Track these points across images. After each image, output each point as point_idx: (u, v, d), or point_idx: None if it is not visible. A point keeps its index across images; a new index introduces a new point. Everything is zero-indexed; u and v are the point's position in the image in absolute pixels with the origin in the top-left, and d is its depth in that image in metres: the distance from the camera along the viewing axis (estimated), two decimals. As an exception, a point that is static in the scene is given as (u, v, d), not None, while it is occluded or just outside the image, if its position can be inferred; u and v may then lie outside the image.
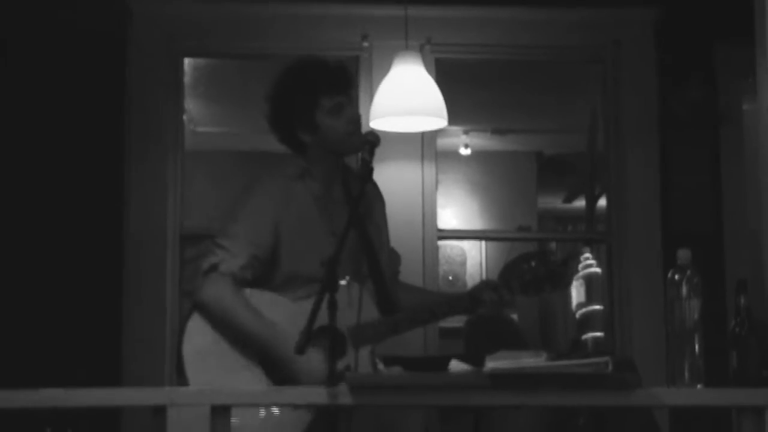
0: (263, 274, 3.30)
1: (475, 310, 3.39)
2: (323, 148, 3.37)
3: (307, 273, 3.24)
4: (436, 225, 5.00)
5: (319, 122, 3.34)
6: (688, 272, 2.77)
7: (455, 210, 7.80)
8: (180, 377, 3.19)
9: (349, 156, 3.48)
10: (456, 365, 2.70)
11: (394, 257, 3.64)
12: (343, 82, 3.39)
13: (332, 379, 2.67)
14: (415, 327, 3.35)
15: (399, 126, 4.68)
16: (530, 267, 3.33)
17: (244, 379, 3.16)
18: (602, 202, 5.62)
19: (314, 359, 3.08)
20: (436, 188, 5.05)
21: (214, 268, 3.23)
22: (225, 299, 3.20)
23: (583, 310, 7.38)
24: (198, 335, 3.22)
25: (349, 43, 4.98)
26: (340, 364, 3.05)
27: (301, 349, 2.80)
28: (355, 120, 3.38)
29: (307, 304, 2.90)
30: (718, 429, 3.54)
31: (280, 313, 3.21)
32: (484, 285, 3.41)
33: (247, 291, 3.25)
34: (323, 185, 3.40)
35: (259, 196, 3.35)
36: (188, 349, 3.19)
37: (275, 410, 3.12)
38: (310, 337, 2.79)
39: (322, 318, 2.75)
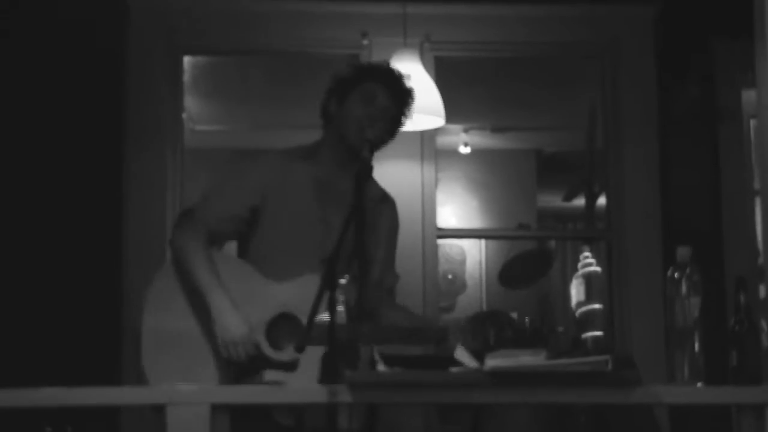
0: (244, 237, 3.34)
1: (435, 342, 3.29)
2: (336, 132, 3.38)
3: (286, 252, 3.26)
4: (435, 223, 5.00)
5: (348, 97, 3.36)
6: (688, 270, 2.77)
7: (455, 208, 7.79)
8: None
9: (350, 149, 3.42)
10: (461, 353, 2.70)
11: (392, 278, 3.59)
12: (397, 88, 3.39)
13: (332, 377, 2.67)
14: (373, 343, 3.30)
15: (398, 124, 4.67)
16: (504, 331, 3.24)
17: (190, 335, 3.20)
18: (602, 199, 5.62)
19: (240, 329, 3.11)
20: (436, 186, 5.05)
21: (189, 213, 3.33)
22: (188, 244, 3.25)
23: (583, 308, 7.39)
24: (164, 278, 3.28)
25: (349, 41, 4.98)
26: (289, 354, 3.08)
27: (300, 348, 2.81)
28: (373, 118, 3.34)
29: (276, 288, 3.02)
30: (718, 427, 3.53)
31: (247, 290, 3.22)
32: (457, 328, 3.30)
33: (231, 257, 3.32)
34: (328, 172, 3.40)
35: (254, 163, 3.41)
36: (154, 286, 3.27)
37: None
38: (309, 335, 2.80)
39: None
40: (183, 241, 3.27)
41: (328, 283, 2.77)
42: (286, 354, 3.13)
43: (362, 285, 3.26)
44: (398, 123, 3.43)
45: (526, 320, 3.07)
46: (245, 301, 3.19)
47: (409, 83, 3.44)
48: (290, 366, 3.09)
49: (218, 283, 3.19)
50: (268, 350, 3.15)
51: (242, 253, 3.40)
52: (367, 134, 3.28)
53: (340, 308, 3.13)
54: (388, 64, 3.52)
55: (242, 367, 3.15)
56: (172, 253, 3.32)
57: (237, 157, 7.30)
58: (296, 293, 3.14)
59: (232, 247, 3.48)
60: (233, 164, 3.44)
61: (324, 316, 2.99)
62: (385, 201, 3.56)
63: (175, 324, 3.22)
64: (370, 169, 3.17)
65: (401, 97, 3.40)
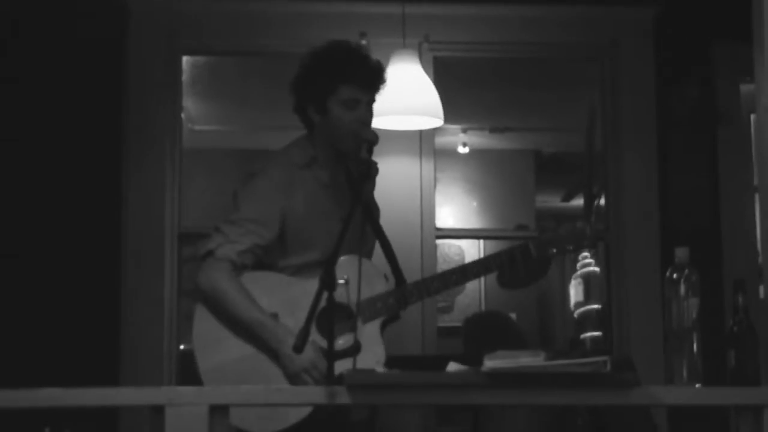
0: (271, 261, 3.31)
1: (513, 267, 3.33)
2: (325, 139, 3.37)
3: (319, 258, 3.23)
4: (434, 224, 5.00)
5: (329, 108, 3.32)
6: (686, 271, 2.77)
7: (453, 208, 7.79)
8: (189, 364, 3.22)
9: (344, 154, 3.43)
10: (453, 367, 2.70)
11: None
12: (370, 81, 3.35)
13: (330, 378, 2.68)
14: (423, 298, 3.30)
15: (395, 124, 4.68)
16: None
17: (252, 360, 3.18)
18: (600, 200, 5.61)
19: (304, 355, 3.07)
20: (435, 187, 5.05)
21: (210, 253, 3.25)
22: (219, 285, 3.21)
23: (582, 309, 7.40)
24: (204, 321, 3.24)
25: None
26: (348, 341, 3.07)
27: (299, 348, 2.81)
28: (364, 122, 3.33)
29: (312, 284, 2.91)
30: (716, 428, 3.54)
31: (293, 292, 3.22)
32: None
33: (258, 274, 3.27)
34: (330, 174, 3.40)
35: (264, 183, 3.35)
36: (197, 331, 3.23)
37: None
38: (308, 335, 2.80)
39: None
40: (213, 284, 3.23)
41: (327, 284, 2.77)
42: (344, 341, 3.11)
43: (392, 258, 3.28)
44: (378, 93, 3.40)
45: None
46: (288, 310, 3.20)
47: (368, 54, 3.38)
48: (354, 350, 2.97)
49: (264, 315, 3.19)
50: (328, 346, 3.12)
51: (272, 266, 3.35)
52: (364, 136, 3.27)
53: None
54: (347, 48, 3.38)
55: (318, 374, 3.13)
56: (205, 295, 3.26)
57: (236, 158, 7.32)
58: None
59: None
60: (241, 191, 3.37)
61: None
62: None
63: (232, 356, 3.20)
64: (369, 167, 3.18)
65: (376, 83, 3.36)
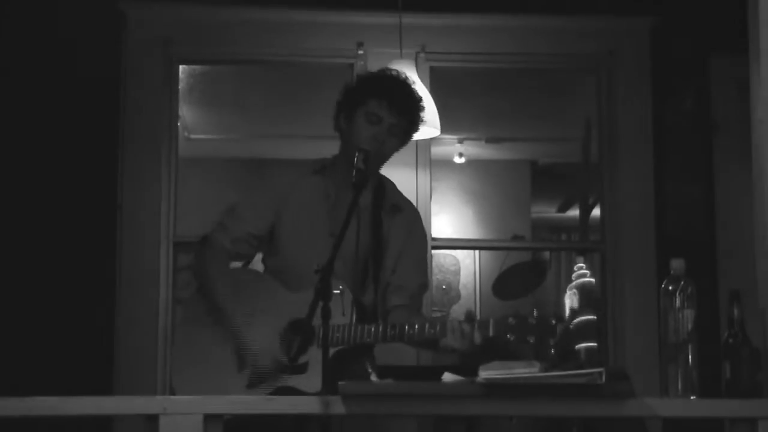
0: (266, 256, 3.42)
1: (437, 343, 3.20)
2: (342, 149, 3.42)
3: (300, 267, 3.28)
4: (430, 234, 4.99)
5: (355, 117, 3.36)
6: (682, 282, 2.77)
7: (449, 218, 7.78)
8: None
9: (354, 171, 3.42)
10: (449, 377, 2.69)
11: (412, 284, 3.48)
12: (402, 107, 3.36)
13: (328, 387, 2.68)
14: (383, 341, 3.27)
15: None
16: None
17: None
18: (596, 211, 5.62)
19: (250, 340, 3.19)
20: (431, 196, 5.05)
21: (206, 239, 3.40)
22: (208, 270, 3.35)
23: (577, 319, 7.38)
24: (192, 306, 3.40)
25: (344, 51, 4.98)
26: (303, 359, 3.09)
27: (294, 360, 2.82)
28: (376, 140, 3.32)
29: (292, 297, 3.12)
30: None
31: (265, 301, 3.28)
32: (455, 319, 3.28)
33: (252, 271, 3.42)
34: (338, 186, 3.41)
35: (266, 181, 3.49)
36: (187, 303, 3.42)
37: None
38: (300, 352, 2.82)
39: None
40: (203, 268, 3.39)
41: (322, 294, 2.77)
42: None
43: (377, 287, 3.26)
44: (409, 135, 3.44)
45: (534, 312, 3.04)
46: (265, 312, 3.25)
47: (417, 92, 3.42)
48: (301, 369, 3.10)
49: (236, 303, 3.27)
50: (281, 357, 3.20)
51: (266, 267, 3.48)
52: (363, 145, 3.28)
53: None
54: (395, 74, 3.46)
55: (261, 374, 3.19)
56: (196, 281, 3.41)
57: (232, 166, 7.33)
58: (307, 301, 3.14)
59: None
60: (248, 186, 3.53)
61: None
62: (397, 211, 3.50)
63: (203, 334, 3.30)
64: (364, 179, 3.17)
65: (408, 109, 3.39)
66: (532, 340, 3.06)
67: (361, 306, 3.30)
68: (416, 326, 3.14)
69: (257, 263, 3.54)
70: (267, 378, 3.17)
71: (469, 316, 3.12)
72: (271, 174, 3.50)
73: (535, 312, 3.03)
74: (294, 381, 3.13)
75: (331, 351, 2.99)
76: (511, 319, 3.03)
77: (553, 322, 2.96)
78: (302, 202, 3.40)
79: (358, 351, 3.24)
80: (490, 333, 3.06)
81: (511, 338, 3.04)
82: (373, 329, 3.17)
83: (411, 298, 3.44)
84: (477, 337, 3.07)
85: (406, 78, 3.45)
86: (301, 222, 3.38)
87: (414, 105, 3.41)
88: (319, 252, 3.20)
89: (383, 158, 3.41)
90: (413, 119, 3.41)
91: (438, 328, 3.13)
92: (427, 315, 3.53)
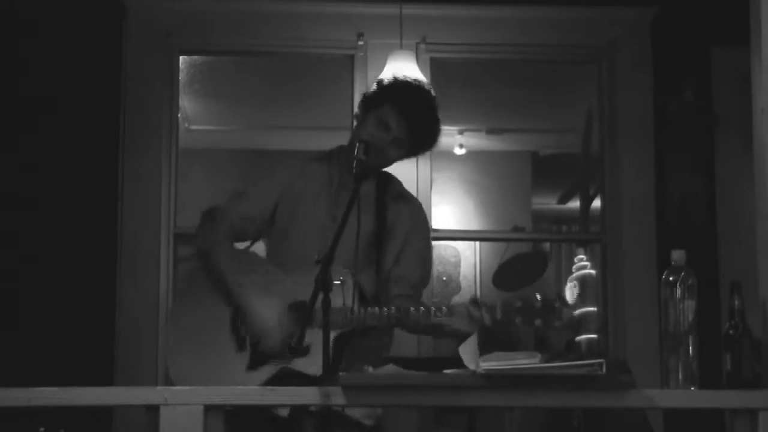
0: (268, 240, 3.43)
1: (441, 328, 3.24)
2: (349, 142, 3.42)
3: (302, 251, 3.29)
4: (430, 225, 4.98)
5: (368, 115, 3.38)
6: (683, 273, 2.77)
7: (450, 210, 7.77)
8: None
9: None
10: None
11: (414, 274, 3.49)
12: (414, 122, 3.34)
13: (327, 372, 2.70)
14: (380, 325, 3.28)
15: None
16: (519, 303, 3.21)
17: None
18: (597, 202, 5.61)
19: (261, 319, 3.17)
20: (431, 188, 5.04)
21: (212, 212, 3.38)
22: (214, 249, 3.31)
23: (578, 311, 7.38)
24: (194, 273, 3.37)
25: (345, 42, 4.98)
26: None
27: (295, 350, 2.82)
28: (383, 144, 3.33)
29: (290, 281, 3.11)
30: (712, 431, 3.54)
31: (264, 284, 3.28)
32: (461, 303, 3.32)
33: (252, 254, 3.41)
34: (341, 172, 3.42)
35: (274, 168, 3.49)
36: (183, 282, 3.41)
37: None
38: (304, 336, 2.81)
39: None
40: (208, 244, 3.34)
41: (323, 284, 2.77)
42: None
43: (380, 273, 3.25)
44: (417, 152, 3.45)
45: (538, 296, 3.05)
46: (271, 294, 3.25)
47: (436, 115, 3.39)
48: (303, 351, 3.03)
49: (245, 283, 3.25)
50: (299, 366, 3.15)
51: (268, 253, 3.47)
52: (362, 136, 3.28)
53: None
54: (423, 86, 3.45)
55: (262, 356, 3.18)
56: (198, 254, 3.37)
57: (233, 157, 7.32)
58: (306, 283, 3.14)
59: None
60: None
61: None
62: (401, 199, 3.52)
63: (198, 315, 3.28)
64: (365, 170, 3.17)
65: (420, 132, 3.38)
66: (538, 322, 3.07)
67: (362, 295, 3.30)
68: (422, 309, 3.15)
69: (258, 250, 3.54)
70: (268, 359, 3.16)
71: (475, 301, 3.13)
72: (277, 163, 3.51)
73: (538, 296, 3.04)
74: (296, 363, 3.11)
75: (333, 334, 2.99)
76: (518, 302, 3.04)
77: (558, 304, 2.96)
78: (305, 186, 3.42)
79: (362, 336, 3.23)
80: (498, 316, 3.08)
81: (519, 321, 3.04)
82: (377, 311, 3.17)
83: (413, 289, 3.44)
84: (487, 319, 3.08)
85: (434, 98, 3.42)
86: (304, 206, 3.39)
87: (428, 129, 3.40)
88: (320, 237, 3.22)
89: (386, 161, 3.41)
90: (423, 141, 3.41)
91: (444, 311, 3.14)
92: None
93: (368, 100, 3.42)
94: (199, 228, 3.40)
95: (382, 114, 3.34)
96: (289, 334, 3.12)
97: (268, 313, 3.20)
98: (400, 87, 3.42)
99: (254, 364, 3.18)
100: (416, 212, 3.53)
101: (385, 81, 3.45)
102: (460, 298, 7.70)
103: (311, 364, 3.07)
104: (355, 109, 3.50)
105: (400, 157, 3.43)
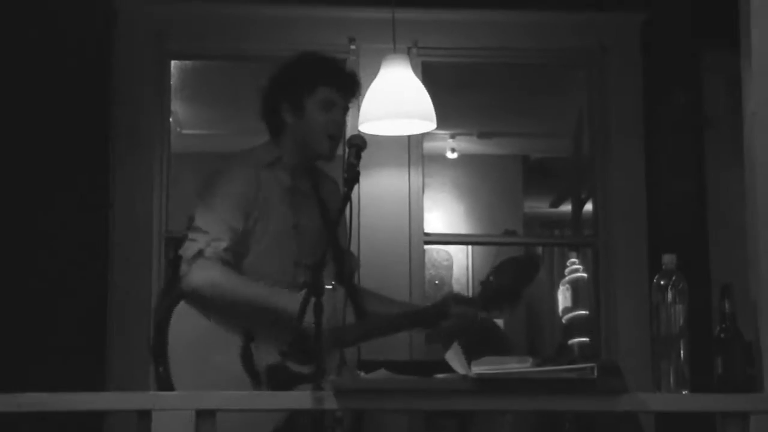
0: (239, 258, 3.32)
1: (438, 323, 3.31)
2: (297, 140, 3.38)
3: (269, 264, 3.27)
4: (422, 229, 4.99)
5: (305, 106, 3.35)
6: (674, 277, 2.78)
7: (441, 213, 7.78)
8: (159, 362, 3.20)
9: (316, 159, 3.44)
10: (454, 355, 2.70)
11: (353, 260, 3.54)
12: (347, 86, 3.40)
13: (319, 375, 2.68)
14: (386, 334, 3.30)
15: (387, 129, 4.67)
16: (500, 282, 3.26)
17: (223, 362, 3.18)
18: (588, 206, 5.62)
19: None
20: (423, 192, 5.04)
21: (200, 253, 3.24)
22: (221, 280, 3.20)
23: (569, 314, 7.39)
24: (186, 320, 3.23)
25: (337, 46, 4.97)
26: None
27: (287, 354, 2.82)
28: (338, 124, 3.36)
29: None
30: (703, 434, 3.54)
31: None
32: (451, 298, 3.37)
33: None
34: (292, 177, 3.40)
35: (231, 183, 3.35)
36: (175, 332, 3.21)
37: None
38: (297, 338, 2.81)
39: None
40: (212, 280, 3.22)
41: (314, 289, 2.77)
42: (310, 366, 3.09)
43: (350, 284, 3.26)
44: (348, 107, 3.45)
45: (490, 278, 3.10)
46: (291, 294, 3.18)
47: (350, 69, 3.50)
48: (317, 377, 2.91)
49: (271, 285, 3.20)
50: (295, 367, 3.04)
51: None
52: (326, 145, 3.32)
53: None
54: (323, 56, 3.48)
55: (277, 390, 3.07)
56: (197, 292, 3.23)
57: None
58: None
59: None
60: (207, 189, 3.38)
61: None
62: (331, 183, 3.53)
63: (205, 359, 3.20)
64: (357, 174, 3.17)
65: (353, 89, 3.43)
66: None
67: (357, 306, 3.30)
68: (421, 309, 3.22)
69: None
70: (287, 389, 2.98)
71: (459, 297, 3.17)
72: (232, 174, 3.38)
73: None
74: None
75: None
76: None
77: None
78: (264, 199, 3.34)
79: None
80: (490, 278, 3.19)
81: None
82: (372, 327, 3.17)
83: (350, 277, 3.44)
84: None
85: (332, 55, 3.49)
86: (266, 217, 3.33)
87: (354, 78, 3.45)
88: (283, 245, 3.22)
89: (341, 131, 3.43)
90: (358, 90, 3.46)
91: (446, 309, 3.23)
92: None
93: (293, 89, 3.38)
94: (190, 274, 3.24)
95: (322, 97, 3.35)
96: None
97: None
98: (316, 66, 3.43)
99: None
100: (337, 188, 3.53)
101: (294, 71, 3.43)
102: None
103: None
104: (271, 114, 3.44)
105: (345, 116, 3.43)
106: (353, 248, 3.45)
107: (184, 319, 3.25)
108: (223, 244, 3.24)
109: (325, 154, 3.37)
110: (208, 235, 3.25)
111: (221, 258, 3.23)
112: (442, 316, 3.30)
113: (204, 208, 3.33)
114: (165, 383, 3.18)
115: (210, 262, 3.22)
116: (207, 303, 3.22)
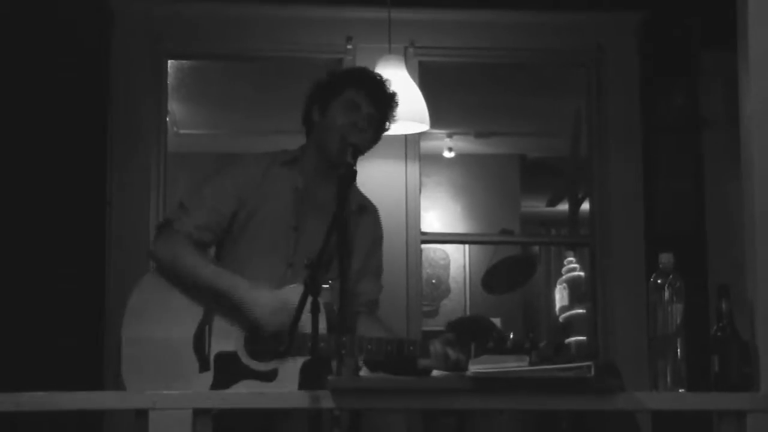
0: (221, 246, 3.32)
1: (416, 360, 3.18)
2: (317, 140, 3.36)
3: (255, 255, 3.25)
4: (419, 228, 5.00)
5: (330, 107, 3.33)
6: (671, 276, 2.78)
7: (438, 213, 7.78)
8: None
9: (330, 162, 3.40)
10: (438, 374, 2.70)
11: (373, 290, 3.48)
12: (377, 95, 3.36)
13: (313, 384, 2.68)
14: (356, 354, 3.24)
15: (382, 129, 4.67)
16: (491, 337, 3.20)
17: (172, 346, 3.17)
18: (585, 205, 5.63)
19: (265, 297, 3.10)
20: (420, 191, 5.05)
21: (168, 223, 3.28)
22: (176, 252, 3.21)
23: (567, 313, 7.40)
24: (145, 292, 3.24)
25: (333, 46, 4.98)
26: (268, 365, 3.08)
27: (287, 351, 2.82)
28: (357, 129, 3.29)
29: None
30: (700, 433, 3.55)
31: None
32: (437, 340, 3.21)
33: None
34: (308, 180, 3.36)
35: (234, 168, 3.38)
36: (133, 299, 3.24)
37: None
38: (293, 337, 2.80)
39: None
40: (169, 249, 3.24)
41: (311, 289, 2.77)
42: (265, 364, 3.11)
43: (344, 290, 3.23)
44: (382, 129, 3.41)
45: (510, 335, 3.02)
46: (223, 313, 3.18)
47: (392, 87, 3.41)
48: (269, 376, 3.07)
49: (222, 270, 3.19)
50: (246, 360, 3.13)
51: (219, 257, 3.37)
52: (350, 139, 3.25)
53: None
54: (369, 69, 3.52)
55: (221, 378, 3.10)
56: (158, 263, 3.27)
57: (221, 160, 7.31)
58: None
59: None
60: (213, 171, 3.40)
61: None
62: (364, 212, 3.47)
63: (155, 335, 3.19)
64: (353, 173, 3.16)
65: (384, 102, 3.36)
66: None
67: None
68: (397, 343, 3.12)
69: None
70: (232, 380, 3.08)
71: (448, 340, 3.11)
72: (239, 163, 3.41)
73: (511, 335, 3.00)
74: (262, 389, 3.05)
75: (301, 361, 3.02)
76: (490, 344, 2.98)
77: (528, 345, 2.93)
78: (268, 193, 3.32)
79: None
80: (472, 355, 2.98)
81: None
82: (352, 341, 3.12)
83: (368, 306, 3.42)
84: (462, 361, 3.03)
85: (381, 76, 3.45)
86: (263, 212, 3.31)
87: (390, 98, 3.39)
88: (276, 244, 3.21)
89: (364, 143, 3.35)
90: (388, 112, 3.39)
91: (416, 347, 3.12)
92: (388, 327, 3.47)
93: (325, 90, 3.39)
94: (154, 241, 3.32)
95: (347, 97, 3.33)
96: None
97: (264, 292, 3.12)
98: (353, 72, 3.53)
99: (218, 384, 3.09)
100: (376, 223, 3.50)
101: (330, 75, 3.46)
102: (450, 302, 7.71)
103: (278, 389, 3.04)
104: (306, 114, 3.43)
105: (370, 142, 3.37)
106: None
107: (151, 287, 3.26)
108: (196, 221, 3.25)
109: (332, 156, 3.27)
110: (184, 211, 3.27)
111: (190, 234, 3.23)
112: (423, 353, 3.20)
113: (195, 187, 3.35)
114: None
115: (177, 235, 3.24)
116: (166, 273, 3.24)
